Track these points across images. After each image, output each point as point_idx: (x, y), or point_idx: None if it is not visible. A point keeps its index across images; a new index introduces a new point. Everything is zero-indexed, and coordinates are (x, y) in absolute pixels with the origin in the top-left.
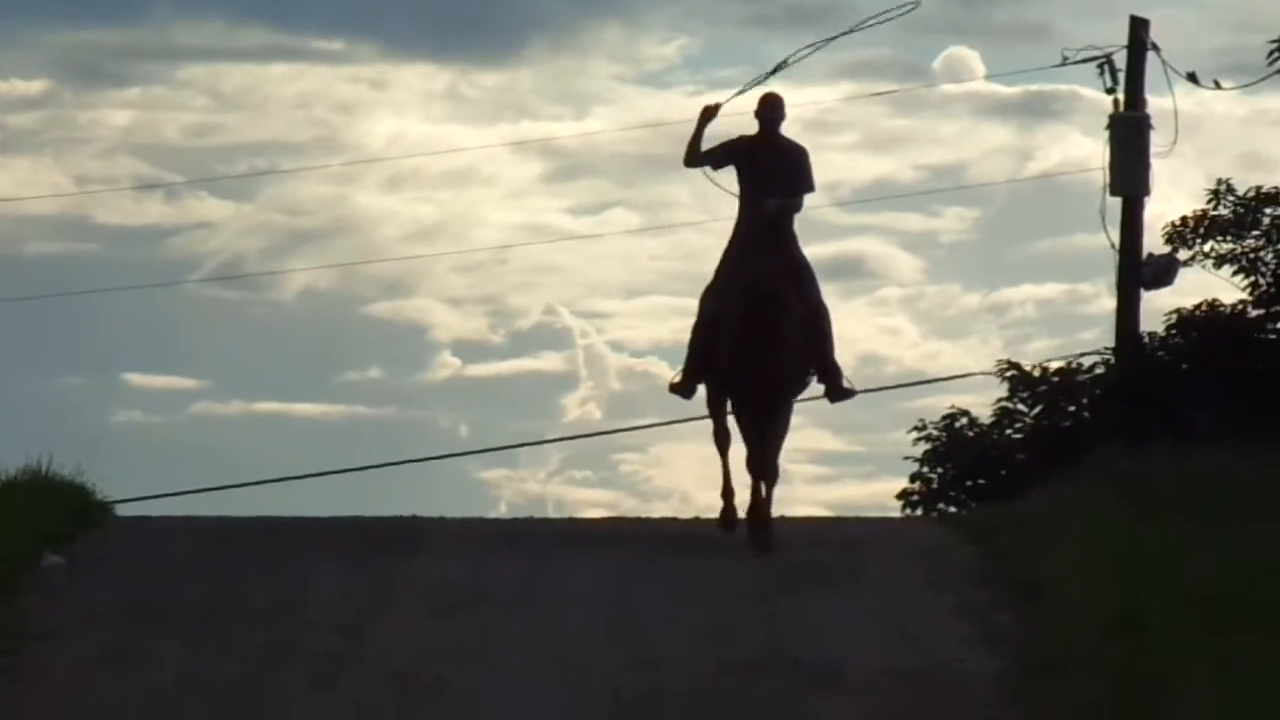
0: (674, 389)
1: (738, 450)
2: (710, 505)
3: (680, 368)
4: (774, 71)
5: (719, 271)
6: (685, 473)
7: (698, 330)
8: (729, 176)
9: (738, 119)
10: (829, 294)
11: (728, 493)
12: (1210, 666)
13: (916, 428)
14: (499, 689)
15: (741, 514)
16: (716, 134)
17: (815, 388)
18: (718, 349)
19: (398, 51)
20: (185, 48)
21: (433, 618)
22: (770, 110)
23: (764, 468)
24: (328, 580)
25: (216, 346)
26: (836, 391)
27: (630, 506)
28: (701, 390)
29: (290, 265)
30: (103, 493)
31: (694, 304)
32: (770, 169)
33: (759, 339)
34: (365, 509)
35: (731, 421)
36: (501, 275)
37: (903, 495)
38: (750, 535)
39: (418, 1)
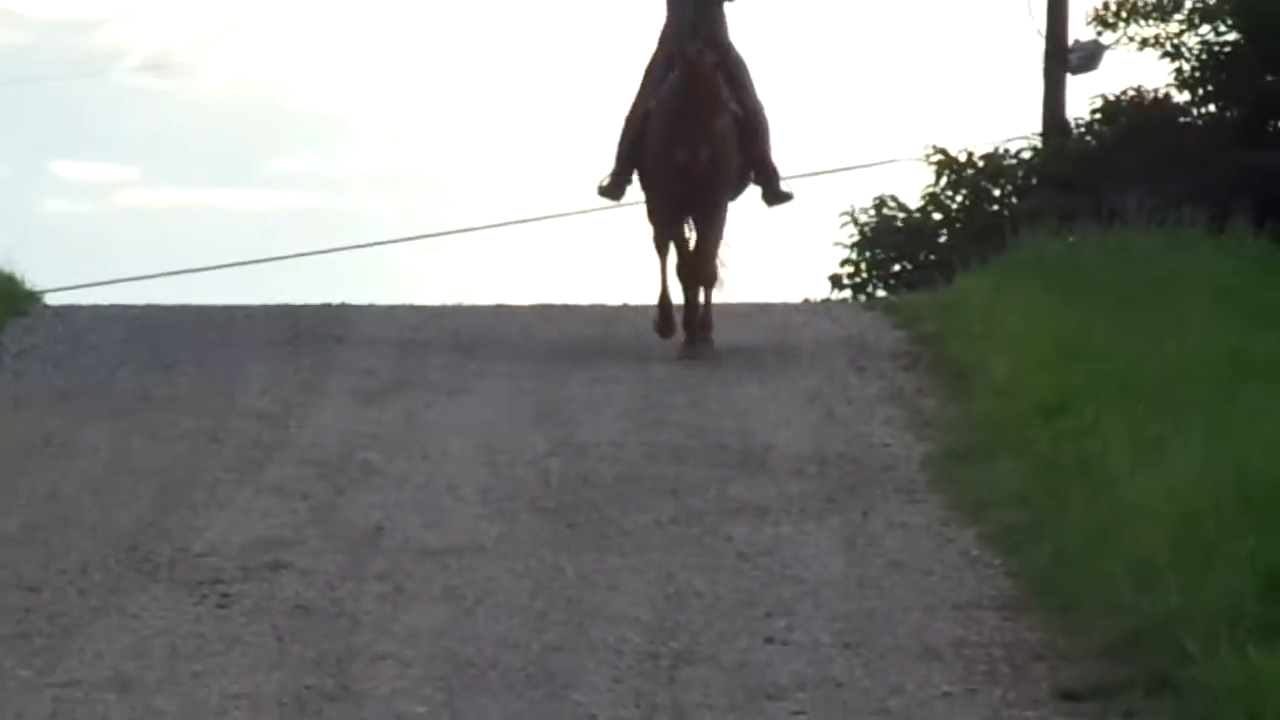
0: (602, 191)
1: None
2: (634, 291)
3: (610, 170)
4: None
5: (648, 71)
6: (610, 259)
7: (628, 126)
8: None
9: None
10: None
11: (664, 299)
12: (1134, 449)
13: (846, 212)
14: (426, 475)
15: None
16: None
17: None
18: (647, 144)
19: None
20: None
21: (360, 405)
22: None
23: (700, 270)
24: (257, 367)
25: (146, 135)
26: (773, 194)
27: (554, 293)
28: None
29: (220, 54)
30: (31, 282)
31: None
32: None
33: (691, 128)
34: (295, 297)
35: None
36: (428, 64)
37: (832, 280)
38: (686, 345)
39: None
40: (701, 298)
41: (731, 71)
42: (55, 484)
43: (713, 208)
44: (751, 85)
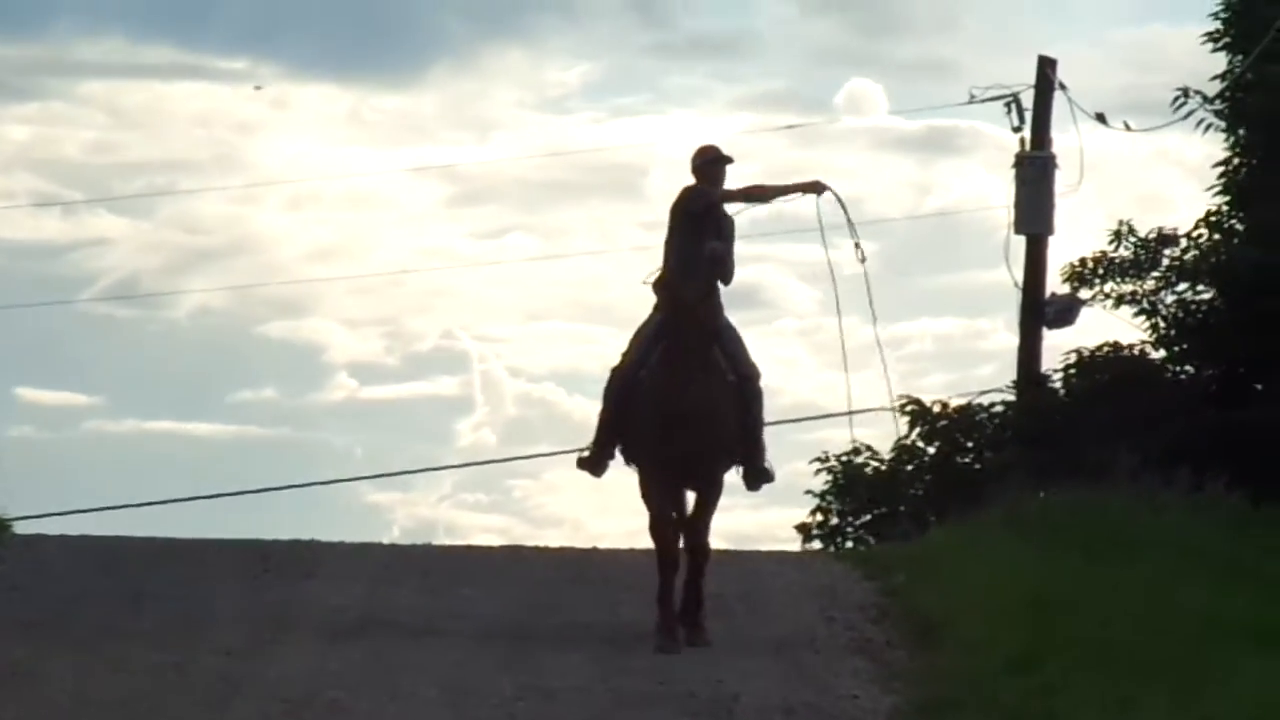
0: (582, 463)
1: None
2: (603, 534)
3: (589, 442)
4: None
5: (638, 334)
6: (578, 500)
7: (610, 386)
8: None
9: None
10: None
11: (667, 613)
12: (1103, 708)
13: (819, 459)
14: (393, 715)
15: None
16: None
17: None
18: (635, 409)
19: (299, 72)
20: (86, 64)
21: (328, 643)
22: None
23: (693, 545)
24: (224, 602)
25: (110, 364)
26: (756, 473)
27: (522, 533)
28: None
29: (187, 284)
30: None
31: (592, 331)
32: (713, 232)
33: (686, 371)
34: (258, 529)
35: None
36: (399, 298)
37: (802, 529)
38: (668, 637)
39: (320, 22)
40: (695, 573)
41: (726, 339)
42: (19, 716)
43: (712, 469)
44: (746, 352)
